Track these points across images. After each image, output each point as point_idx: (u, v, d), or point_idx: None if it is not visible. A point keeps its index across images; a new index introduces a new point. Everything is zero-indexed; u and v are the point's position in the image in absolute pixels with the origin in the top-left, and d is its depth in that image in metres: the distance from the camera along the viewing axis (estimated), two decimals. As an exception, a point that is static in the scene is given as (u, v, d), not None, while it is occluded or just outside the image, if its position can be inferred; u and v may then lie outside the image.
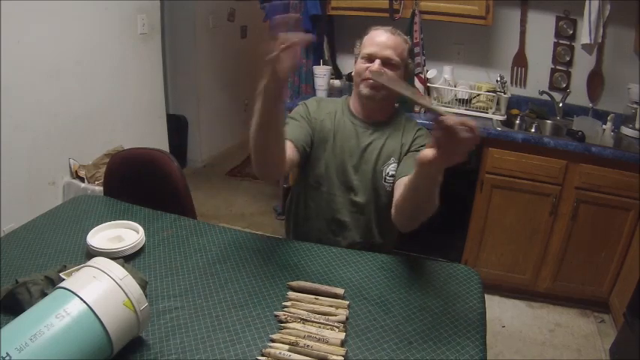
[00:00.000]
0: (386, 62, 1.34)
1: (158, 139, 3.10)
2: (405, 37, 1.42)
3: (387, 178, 1.38)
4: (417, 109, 2.49)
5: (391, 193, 1.35)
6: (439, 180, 0.99)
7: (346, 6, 2.69)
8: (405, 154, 1.39)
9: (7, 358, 0.68)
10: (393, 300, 1.06)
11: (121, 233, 1.26)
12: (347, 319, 0.98)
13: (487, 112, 2.53)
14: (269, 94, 0.99)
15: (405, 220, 1.17)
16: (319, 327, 0.93)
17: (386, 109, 1.45)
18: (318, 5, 2.68)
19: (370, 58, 1.36)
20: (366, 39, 1.40)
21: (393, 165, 1.38)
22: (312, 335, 0.90)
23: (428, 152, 0.90)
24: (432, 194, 1.04)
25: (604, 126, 2.46)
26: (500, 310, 2.42)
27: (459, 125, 0.83)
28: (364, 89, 1.37)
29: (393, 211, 1.20)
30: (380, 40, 1.36)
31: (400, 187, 1.22)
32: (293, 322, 0.95)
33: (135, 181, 1.67)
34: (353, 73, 1.47)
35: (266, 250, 1.23)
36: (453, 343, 0.93)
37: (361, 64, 1.38)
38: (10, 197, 2.17)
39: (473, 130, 0.84)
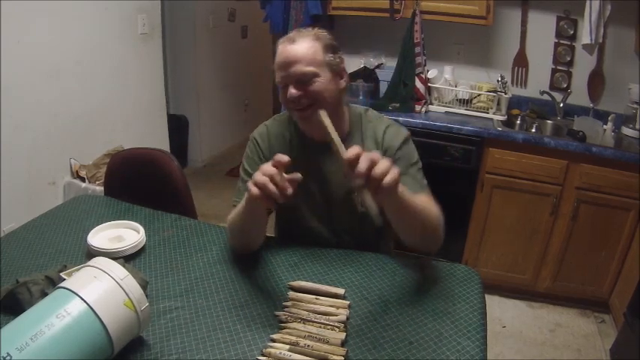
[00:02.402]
0: (300, 80, 1.14)
1: (158, 139, 3.10)
2: (319, 31, 1.20)
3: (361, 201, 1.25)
4: (417, 109, 2.49)
5: (363, 211, 1.24)
6: (400, 204, 0.98)
7: (347, 6, 2.69)
8: None
9: (8, 357, 0.68)
10: (394, 300, 1.06)
11: (121, 233, 1.26)
12: (347, 319, 0.98)
13: (488, 112, 2.52)
14: (251, 203, 1.04)
15: (419, 246, 1.13)
16: (320, 327, 0.93)
17: (337, 123, 1.20)
18: (318, 5, 2.68)
19: (284, 85, 1.16)
20: (275, 61, 1.19)
21: None
22: (313, 335, 0.90)
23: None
24: (414, 219, 1.03)
25: (605, 126, 2.45)
26: (500, 310, 2.42)
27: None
28: (299, 121, 1.22)
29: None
30: (285, 58, 1.15)
31: None
32: (293, 322, 0.95)
33: (135, 181, 1.67)
34: (280, 98, 1.24)
35: (266, 250, 1.22)
36: (453, 343, 0.93)
37: (282, 93, 1.18)
38: (10, 197, 2.17)
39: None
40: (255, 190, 0.93)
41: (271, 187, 0.91)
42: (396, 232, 1.13)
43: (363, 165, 0.84)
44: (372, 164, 0.85)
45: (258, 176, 0.93)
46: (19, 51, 2.12)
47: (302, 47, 1.15)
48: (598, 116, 2.54)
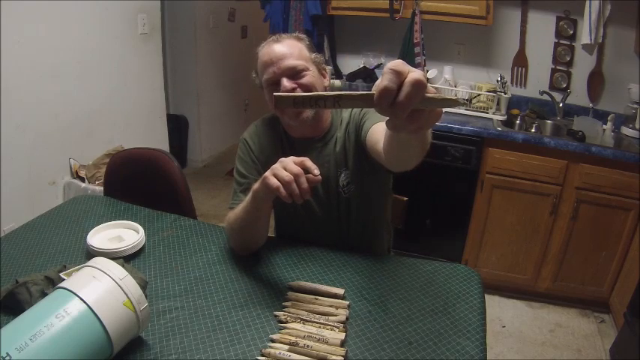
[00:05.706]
0: (293, 74, 1.16)
1: (158, 139, 3.10)
2: (297, 34, 1.25)
3: (344, 189, 1.27)
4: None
5: (347, 200, 1.27)
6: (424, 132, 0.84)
7: (346, 6, 2.69)
8: (358, 138, 1.21)
9: (7, 358, 0.68)
10: (393, 300, 1.05)
11: (121, 233, 1.26)
12: (347, 319, 0.98)
13: (487, 112, 2.52)
14: (258, 197, 1.04)
15: (414, 158, 1.01)
16: (319, 327, 0.93)
17: (325, 117, 1.28)
18: (318, 5, 2.68)
19: (275, 81, 1.17)
20: (259, 64, 1.20)
21: (345, 173, 1.26)
22: (312, 335, 0.90)
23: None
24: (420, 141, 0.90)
25: (604, 126, 2.46)
26: (500, 310, 2.42)
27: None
28: (292, 122, 1.22)
29: (383, 155, 1.02)
30: (273, 55, 1.17)
31: (378, 133, 1.06)
32: (293, 322, 0.95)
33: (135, 181, 1.67)
34: (267, 99, 1.23)
35: (266, 250, 1.22)
36: (453, 343, 0.93)
37: (270, 92, 1.18)
38: (10, 197, 2.17)
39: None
40: (275, 182, 0.92)
41: (294, 186, 0.91)
42: (397, 153, 1.00)
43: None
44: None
45: (281, 171, 0.93)
46: (19, 51, 2.12)
47: (288, 45, 1.19)
48: (598, 116, 2.54)
